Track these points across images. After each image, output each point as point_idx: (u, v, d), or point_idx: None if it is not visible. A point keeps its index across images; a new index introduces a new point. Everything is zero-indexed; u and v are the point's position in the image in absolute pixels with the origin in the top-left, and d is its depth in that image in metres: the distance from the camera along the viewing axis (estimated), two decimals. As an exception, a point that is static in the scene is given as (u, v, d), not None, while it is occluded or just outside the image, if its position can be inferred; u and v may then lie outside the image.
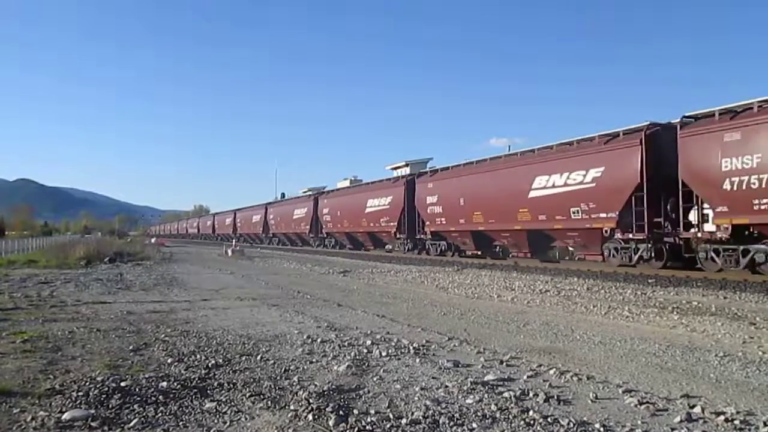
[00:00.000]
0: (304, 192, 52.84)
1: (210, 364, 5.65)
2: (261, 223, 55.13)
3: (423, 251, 28.32)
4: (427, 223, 26.30)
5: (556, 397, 4.53)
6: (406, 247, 29.38)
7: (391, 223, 29.69)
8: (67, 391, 4.66)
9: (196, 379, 5.10)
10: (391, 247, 32.00)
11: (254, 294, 12.36)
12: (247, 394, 4.65)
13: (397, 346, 6.55)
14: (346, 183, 42.70)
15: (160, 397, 4.55)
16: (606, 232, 17.07)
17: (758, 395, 4.71)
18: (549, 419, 4.00)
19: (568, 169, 18.08)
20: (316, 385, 4.87)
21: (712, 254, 14.59)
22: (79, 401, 4.42)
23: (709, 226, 14.39)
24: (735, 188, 13.29)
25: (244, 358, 5.99)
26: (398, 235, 29.50)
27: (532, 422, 3.95)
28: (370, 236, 33.10)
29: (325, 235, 40.27)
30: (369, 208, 31.90)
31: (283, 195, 63.00)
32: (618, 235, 16.77)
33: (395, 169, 37.21)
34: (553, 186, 18.59)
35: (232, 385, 4.92)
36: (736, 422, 3.99)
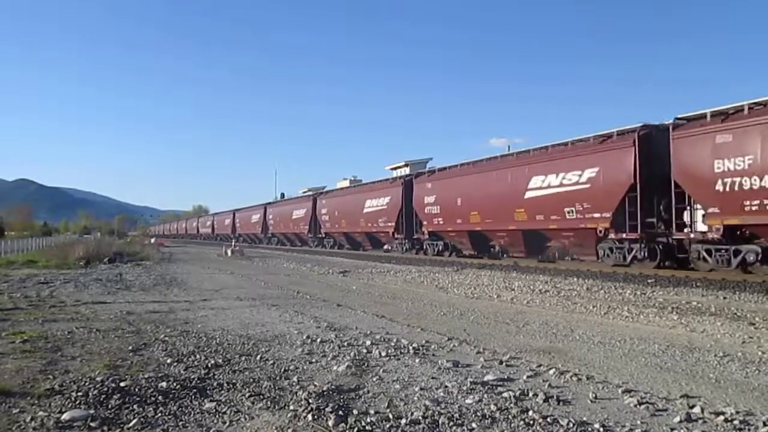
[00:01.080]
0: (304, 192, 52.59)
1: (209, 365, 5.65)
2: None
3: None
4: None
5: (555, 397, 4.54)
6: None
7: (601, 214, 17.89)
8: (66, 392, 4.66)
9: (196, 379, 5.10)
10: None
11: (254, 294, 12.36)
12: (247, 395, 4.65)
13: (397, 346, 6.55)
14: (346, 183, 42.59)
15: (160, 397, 4.54)
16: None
17: (758, 395, 4.71)
18: (548, 419, 4.01)
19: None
20: (315, 385, 4.87)
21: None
22: (78, 401, 4.42)
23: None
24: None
25: (243, 358, 5.99)
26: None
27: (531, 422, 3.96)
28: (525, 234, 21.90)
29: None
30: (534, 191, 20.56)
31: (282, 195, 63.00)
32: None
33: (395, 169, 37.21)
34: None
35: (231, 386, 4.92)
36: (736, 422, 3.99)
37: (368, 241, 33.60)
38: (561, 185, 18.26)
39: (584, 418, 4.05)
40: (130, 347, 6.50)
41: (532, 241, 20.56)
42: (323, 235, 40.16)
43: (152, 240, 57.89)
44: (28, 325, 8.01)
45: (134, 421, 4.02)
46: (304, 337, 7.07)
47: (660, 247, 16.13)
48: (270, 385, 4.91)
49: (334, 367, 5.56)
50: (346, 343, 6.72)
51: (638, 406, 4.35)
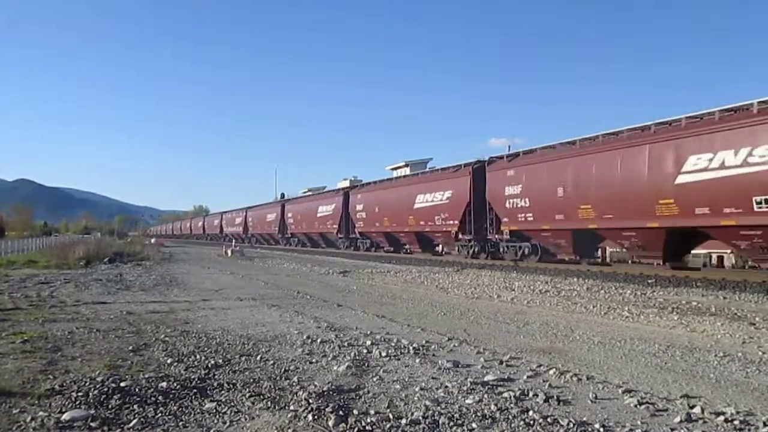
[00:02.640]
0: (304, 192, 52.47)
1: (210, 365, 5.65)
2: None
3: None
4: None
5: (555, 398, 4.54)
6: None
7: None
8: (66, 392, 4.66)
9: (196, 379, 5.10)
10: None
11: (254, 294, 12.36)
12: (247, 395, 4.65)
13: (397, 346, 6.56)
14: (346, 183, 42.59)
15: (160, 397, 4.54)
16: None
17: (758, 395, 4.71)
18: (549, 419, 4.01)
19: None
20: (315, 386, 4.87)
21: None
22: (78, 401, 4.42)
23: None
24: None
25: (243, 358, 5.99)
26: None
27: (531, 422, 3.96)
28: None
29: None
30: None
31: (282, 195, 62.62)
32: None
33: (395, 169, 37.20)
34: None
35: (231, 386, 4.92)
36: (736, 422, 3.99)
37: (417, 242, 28.53)
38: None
39: (584, 419, 4.05)
40: (131, 347, 6.50)
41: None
42: (357, 236, 34.68)
43: (152, 240, 57.84)
44: (28, 325, 8.01)
45: (134, 421, 4.02)
46: (305, 338, 7.07)
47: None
48: (270, 386, 4.91)
49: (335, 368, 5.56)
50: (346, 344, 6.72)
51: (638, 406, 4.35)
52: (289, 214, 45.70)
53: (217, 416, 4.17)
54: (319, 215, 39.11)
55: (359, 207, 33.09)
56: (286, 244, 47.13)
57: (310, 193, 49.49)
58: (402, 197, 28.38)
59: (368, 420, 4.01)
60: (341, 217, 35.75)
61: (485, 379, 5.12)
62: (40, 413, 4.15)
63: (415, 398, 4.56)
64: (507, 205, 20.75)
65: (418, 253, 28.41)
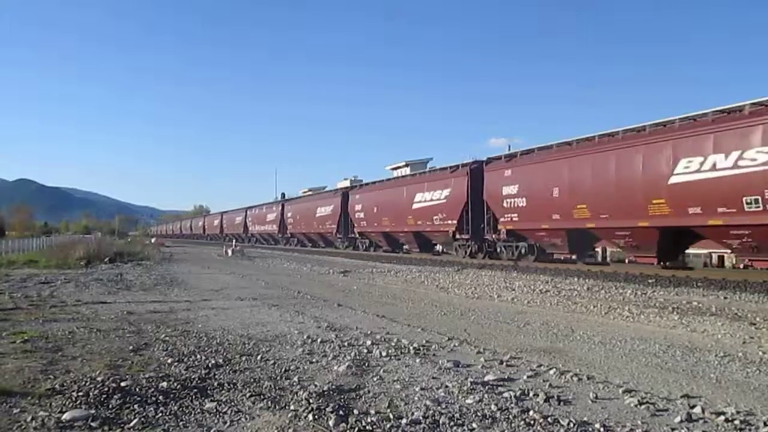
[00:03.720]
0: (305, 192, 52.32)
1: (210, 364, 5.65)
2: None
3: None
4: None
5: (556, 397, 4.54)
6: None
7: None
8: (67, 391, 4.66)
9: (197, 379, 5.10)
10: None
11: (254, 294, 12.36)
12: (248, 394, 4.65)
13: (397, 346, 6.56)
14: (346, 183, 42.57)
15: (160, 397, 4.55)
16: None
17: (758, 395, 4.71)
18: (549, 419, 4.01)
19: None
20: (316, 385, 4.88)
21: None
22: (79, 401, 4.42)
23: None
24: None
25: (244, 358, 5.99)
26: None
27: (532, 422, 3.96)
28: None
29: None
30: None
31: (283, 195, 62.16)
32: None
33: (395, 169, 37.21)
34: None
35: (232, 385, 4.92)
36: (736, 422, 3.99)
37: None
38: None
39: (585, 418, 4.05)
40: (131, 347, 6.50)
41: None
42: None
43: (152, 240, 57.84)
44: (28, 325, 8.01)
45: (135, 421, 4.02)
46: (305, 337, 7.07)
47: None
48: (270, 385, 4.91)
49: (335, 367, 5.56)
50: (346, 343, 6.72)
51: (639, 406, 4.35)
52: (357, 207, 33.30)
53: (218, 416, 4.17)
54: (416, 207, 27.03)
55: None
56: (348, 246, 35.59)
57: (325, 191, 41.83)
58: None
59: (368, 420, 4.01)
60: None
61: (485, 378, 5.12)
62: (41, 413, 4.15)
63: (416, 398, 4.56)
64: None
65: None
